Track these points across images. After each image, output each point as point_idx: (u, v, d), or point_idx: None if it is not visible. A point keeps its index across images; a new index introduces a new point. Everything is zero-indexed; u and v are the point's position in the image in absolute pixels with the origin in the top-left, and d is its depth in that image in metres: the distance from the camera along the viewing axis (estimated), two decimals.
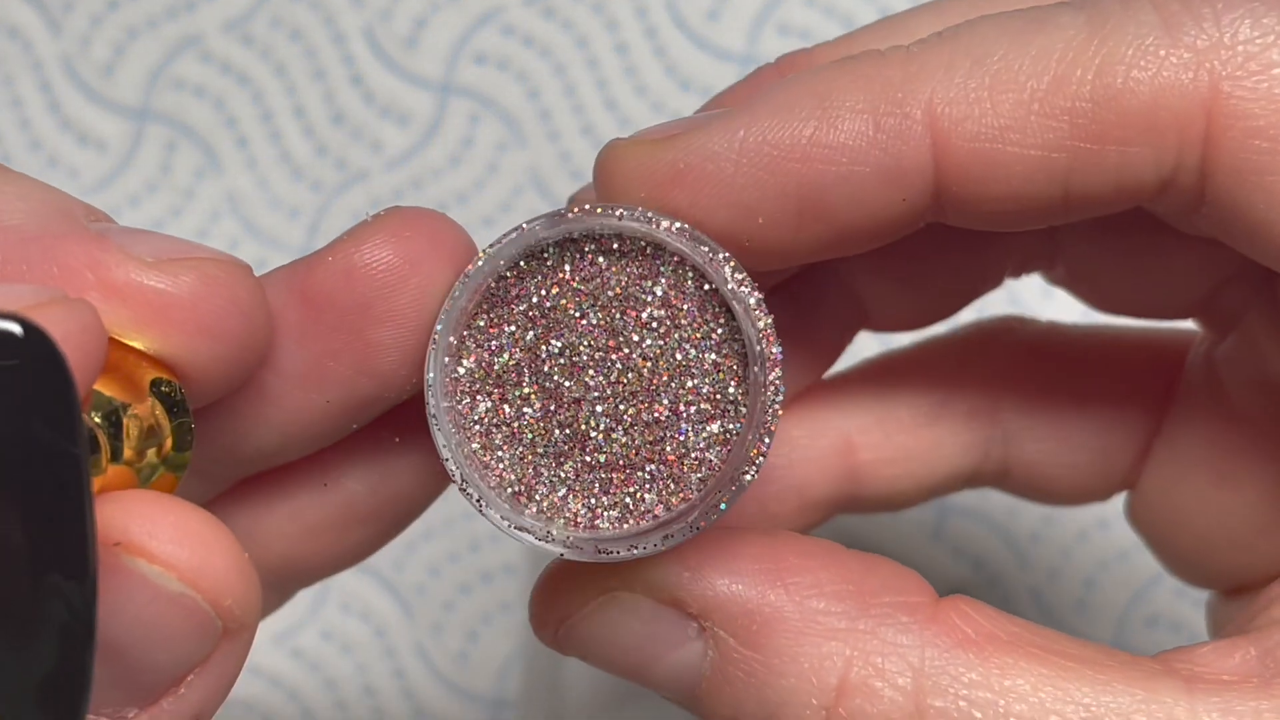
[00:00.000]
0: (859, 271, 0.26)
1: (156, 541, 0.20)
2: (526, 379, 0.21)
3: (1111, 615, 0.31)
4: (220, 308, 0.22)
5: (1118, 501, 0.30)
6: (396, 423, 0.24)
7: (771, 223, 0.21)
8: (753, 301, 0.21)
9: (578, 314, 0.21)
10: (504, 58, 0.44)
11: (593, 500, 0.21)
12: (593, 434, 0.21)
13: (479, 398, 0.21)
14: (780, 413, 0.21)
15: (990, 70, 0.20)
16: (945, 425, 0.28)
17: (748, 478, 0.21)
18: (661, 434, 0.21)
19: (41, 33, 0.44)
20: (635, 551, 0.21)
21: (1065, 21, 0.21)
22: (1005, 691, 0.21)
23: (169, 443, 0.21)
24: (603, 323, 0.21)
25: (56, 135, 0.44)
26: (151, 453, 0.21)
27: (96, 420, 0.20)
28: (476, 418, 0.21)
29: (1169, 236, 0.24)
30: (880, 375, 0.28)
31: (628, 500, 0.21)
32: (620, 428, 0.21)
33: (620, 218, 0.21)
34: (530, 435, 0.21)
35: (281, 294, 0.23)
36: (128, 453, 0.21)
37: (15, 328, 0.16)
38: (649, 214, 0.21)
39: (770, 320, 0.21)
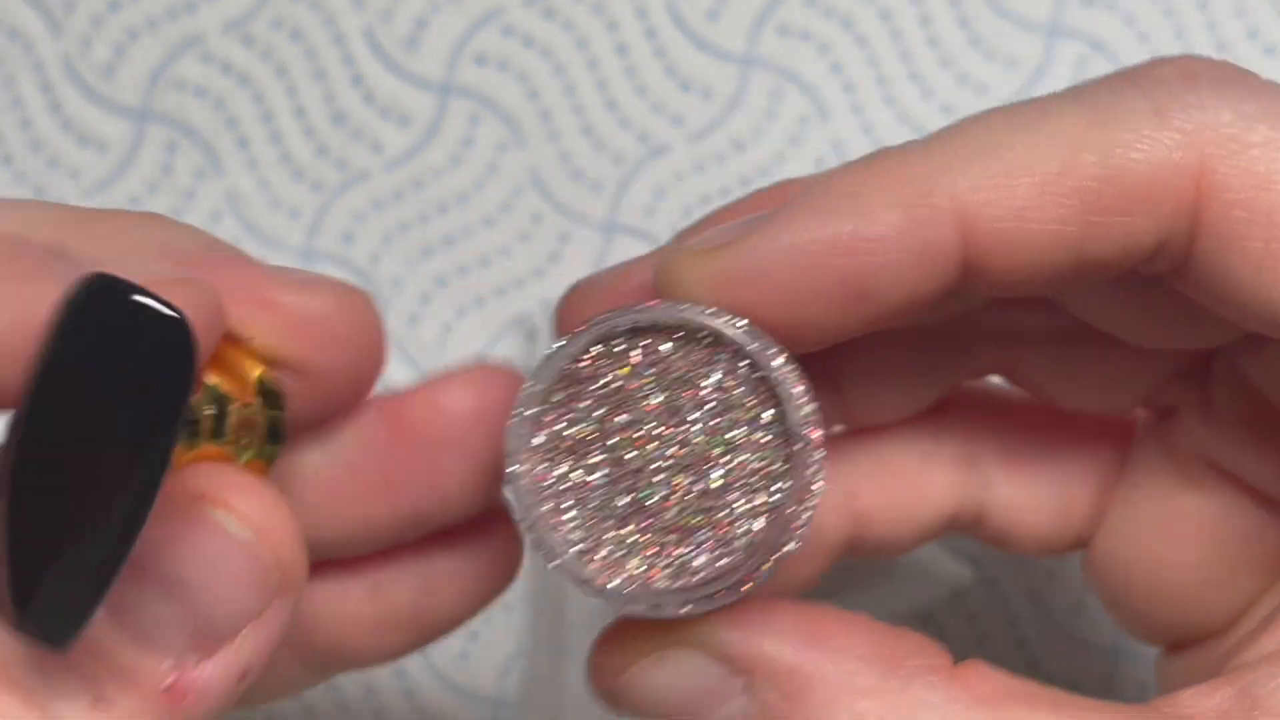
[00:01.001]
0: (845, 374, 0.29)
1: (233, 496, 0.23)
2: (595, 450, 0.24)
3: (1109, 616, 0.32)
4: (354, 324, 0.26)
5: None
6: (448, 540, 0.28)
7: (819, 310, 0.24)
8: (797, 392, 0.24)
9: (642, 394, 0.24)
10: (504, 58, 0.44)
11: (650, 560, 0.24)
12: (651, 501, 0.24)
13: (552, 465, 0.24)
14: (820, 489, 0.24)
15: (1005, 159, 0.24)
16: (935, 470, 0.30)
17: (790, 546, 0.24)
18: (712, 503, 0.24)
19: (42, 33, 0.44)
20: (686, 609, 0.24)
21: (1066, 111, 0.24)
22: None
23: (264, 434, 0.25)
24: (665, 402, 0.24)
25: (58, 136, 0.44)
26: (245, 442, 0.25)
27: (205, 404, 0.24)
28: (549, 483, 0.24)
29: (1117, 348, 0.28)
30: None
31: (680, 561, 0.24)
32: (676, 495, 0.24)
33: (684, 311, 0.24)
34: (596, 500, 0.24)
35: (373, 412, 0.27)
36: (227, 436, 0.24)
37: (152, 303, 0.20)
38: (710, 310, 0.24)
39: (814, 408, 0.24)
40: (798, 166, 0.43)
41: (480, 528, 0.29)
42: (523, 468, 0.24)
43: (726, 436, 0.24)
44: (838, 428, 0.30)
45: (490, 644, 0.43)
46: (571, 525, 0.25)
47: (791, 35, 0.43)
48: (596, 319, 0.24)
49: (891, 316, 0.25)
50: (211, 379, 0.24)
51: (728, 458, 0.24)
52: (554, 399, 0.25)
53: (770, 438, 0.24)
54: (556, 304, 0.28)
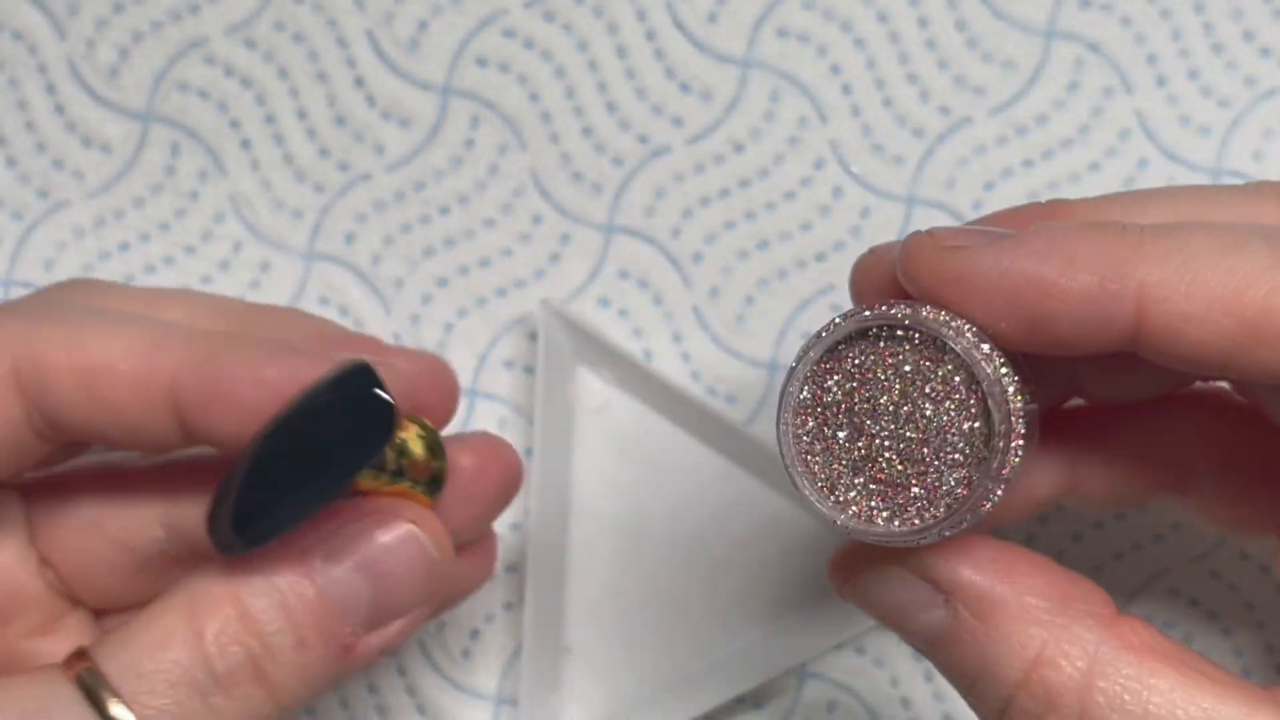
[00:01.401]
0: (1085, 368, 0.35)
1: (424, 521, 0.33)
2: (842, 412, 0.31)
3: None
4: (452, 382, 0.36)
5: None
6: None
7: (1010, 327, 0.30)
8: (1006, 395, 0.30)
9: (883, 378, 0.31)
10: (505, 60, 0.44)
11: (874, 504, 0.31)
12: (880, 459, 0.31)
13: (809, 419, 0.31)
14: (1011, 473, 0.30)
15: (1192, 272, 0.29)
16: (1150, 455, 0.36)
17: (984, 508, 0.30)
18: (925, 469, 0.30)
19: (47, 36, 0.45)
20: (902, 543, 0.30)
21: (1256, 249, 0.29)
22: (1149, 687, 0.29)
23: (429, 478, 0.33)
24: (900, 387, 0.31)
25: (62, 137, 0.45)
26: (414, 478, 0.33)
27: (392, 452, 0.32)
28: (806, 431, 0.31)
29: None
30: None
31: (896, 509, 0.31)
32: (899, 459, 0.31)
33: (925, 318, 0.30)
34: (838, 450, 0.31)
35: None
36: (405, 476, 0.33)
37: (380, 392, 0.30)
38: (944, 317, 0.30)
39: (1019, 408, 0.30)
40: (797, 168, 0.43)
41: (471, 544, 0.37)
42: (788, 416, 0.31)
43: (943, 419, 0.30)
44: (1076, 401, 0.36)
45: (492, 642, 0.43)
46: (817, 467, 0.31)
47: (790, 37, 0.44)
48: (857, 313, 0.30)
49: (1066, 351, 0.30)
50: (399, 435, 0.32)
51: (939, 437, 0.30)
52: (819, 369, 0.31)
53: (979, 424, 0.30)
54: (854, 265, 0.33)
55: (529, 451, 0.43)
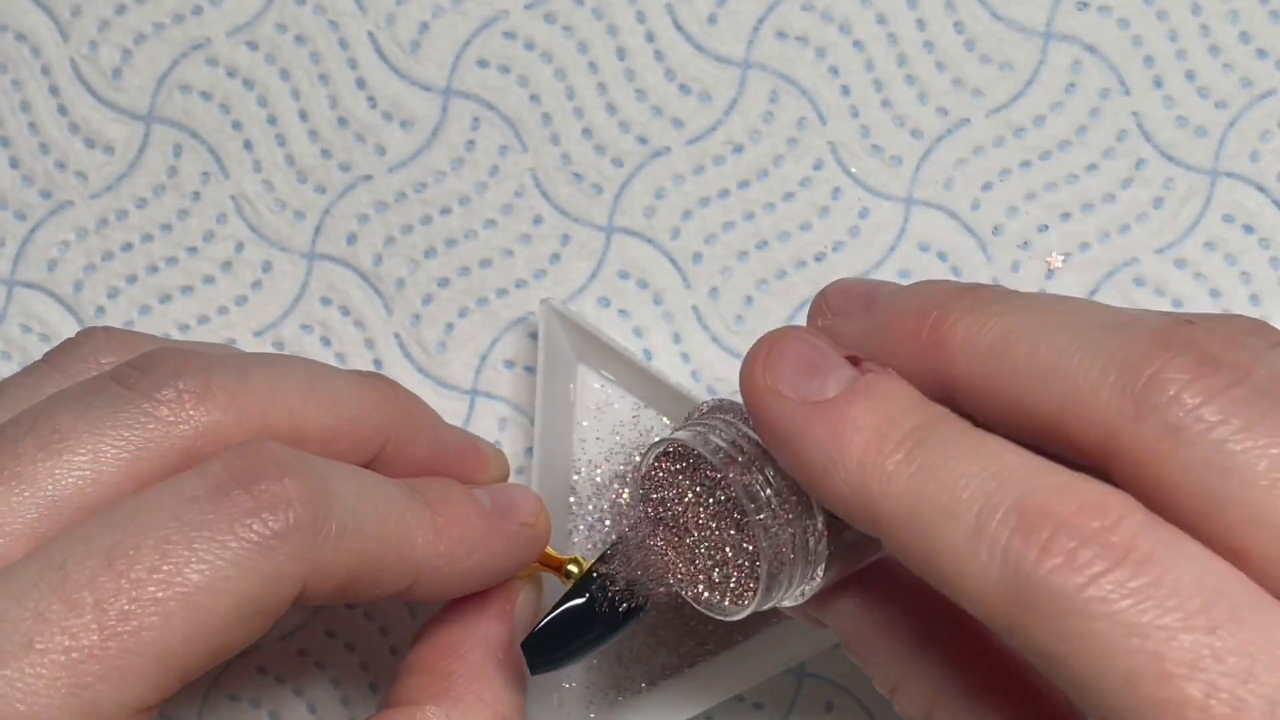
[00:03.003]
0: None
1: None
2: (661, 511, 0.35)
3: None
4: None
5: None
6: None
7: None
8: (750, 507, 0.32)
9: (681, 487, 0.35)
10: (506, 62, 0.44)
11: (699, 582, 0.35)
12: (691, 549, 0.35)
13: (639, 517, 0.36)
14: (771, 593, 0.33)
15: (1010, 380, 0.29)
16: None
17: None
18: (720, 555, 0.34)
19: (50, 38, 0.45)
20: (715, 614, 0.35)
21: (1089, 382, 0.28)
22: None
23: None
24: (696, 494, 0.34)
25: (65, 138, 0.45)
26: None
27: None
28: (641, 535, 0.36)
29: None
30: None
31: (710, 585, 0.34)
32: (702, 551, 0.34)
33: (707, 448, 0.34)
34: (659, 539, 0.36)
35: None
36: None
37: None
38: (719, 449, 0.33)
39: (759, 521, 0.32)
40: (796, 169, 0.43)
41: None
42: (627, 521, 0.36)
43: (717, 523, 0.33)
44: None
45: None
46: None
47: (789, 39, 0.44)
48: (669, 439, 0.34)
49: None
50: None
51: (715, 537, 0.33)
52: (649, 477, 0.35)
53: (736, 532, 0.33)
54: (818, 296, 0.34)
55: (529, 451, 0.43)
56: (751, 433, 0.33)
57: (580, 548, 0.43)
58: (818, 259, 0.43)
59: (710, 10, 0.44)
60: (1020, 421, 0.29)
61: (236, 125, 0.44)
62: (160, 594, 0.29)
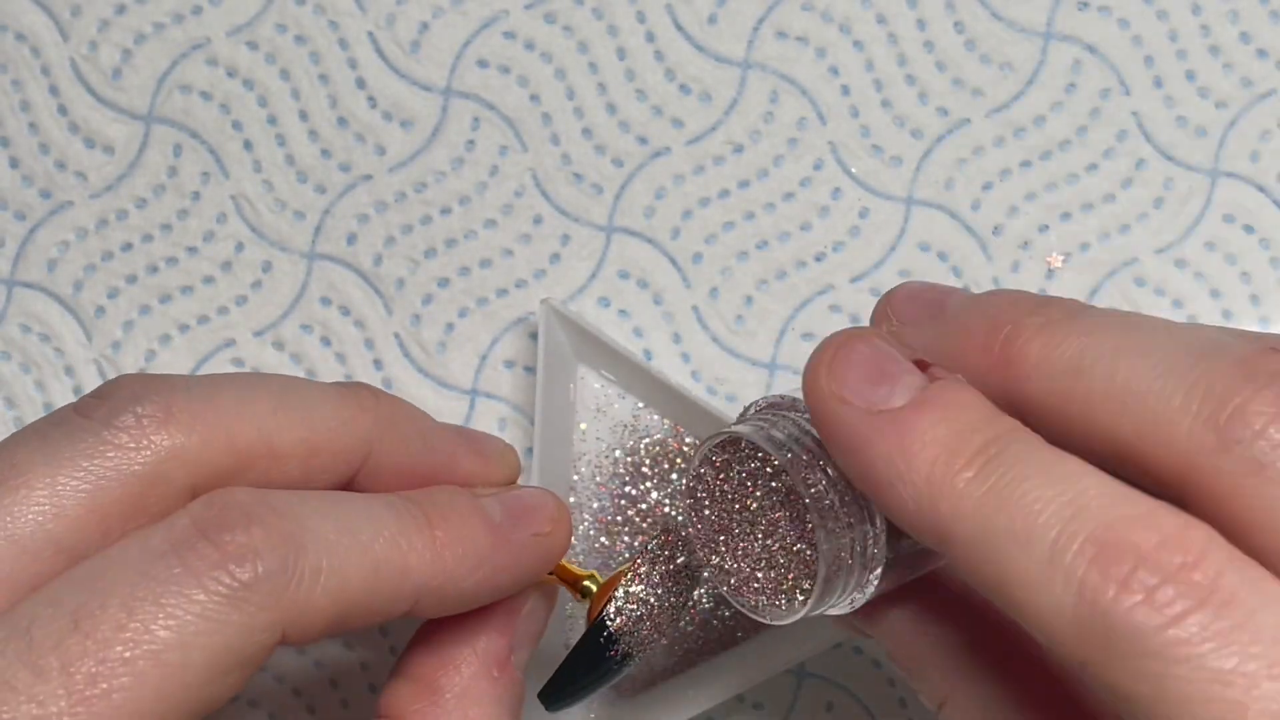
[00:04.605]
0: None
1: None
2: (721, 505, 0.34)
3: None
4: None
5: None
6: None
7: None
8: (818, 510, 0.31)
9: (735, 484, 0.34)
10: (506, 62, 0.44)
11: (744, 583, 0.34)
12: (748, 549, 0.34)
13: (700, 510, 0.35)
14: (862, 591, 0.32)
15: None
16: None
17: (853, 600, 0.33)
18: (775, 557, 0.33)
19: (50, 38, 0.45)
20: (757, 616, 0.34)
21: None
22: None
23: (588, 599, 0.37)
24: (749, 492, 0.33)
25: (65, 138, 0.45)
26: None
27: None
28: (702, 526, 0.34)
29: None
30: None
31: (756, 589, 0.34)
32: (757, 550, 0.33)
33: (776, 442, 0.32)
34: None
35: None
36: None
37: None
38: (784, 443, 0.32)
39: (830, 529, 0.31)
40: (796, 169, 0.44)
41: None
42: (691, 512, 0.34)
43: (778, 518, 0.32)
44: None
45: None
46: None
47: (789, 39, 0.44)
48: (728, 431, 0.32)
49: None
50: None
51: (778, 532, 0.32)
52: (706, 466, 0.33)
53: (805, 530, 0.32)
54: (881, 300, 0.33)
55: (529, 451, 0.43)
56: (811, 430, 0.32)
57: (578, 547, 0.43)
58: (818, 259, 0.43)
59: (710, 10, 0.44)
60: (1094, 445, 0.28)
61: (236, 125, 0.45)
62: (128, 653, 0.28)
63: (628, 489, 0.43)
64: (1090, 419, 0.28)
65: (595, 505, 0.43)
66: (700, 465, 0.33)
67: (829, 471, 0.31)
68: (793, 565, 0.32)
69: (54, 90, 0.45)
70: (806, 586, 0.32)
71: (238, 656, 0.30)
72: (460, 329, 0.44)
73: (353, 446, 0.35)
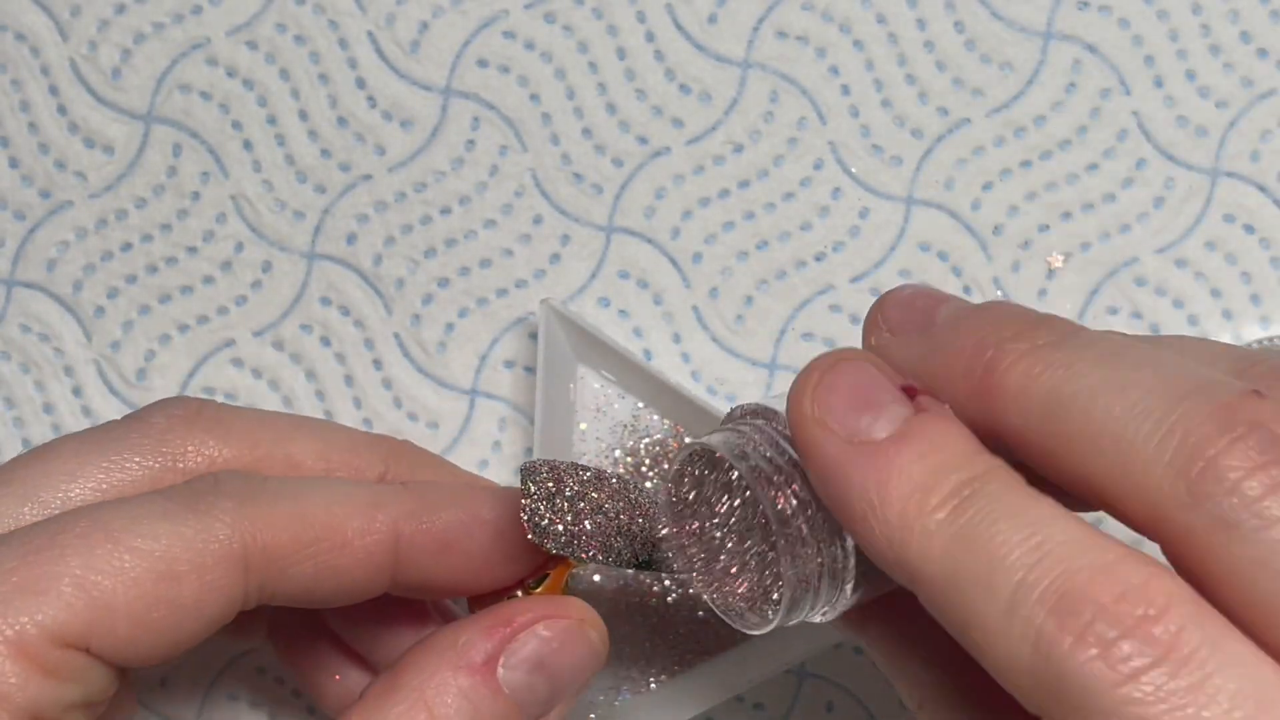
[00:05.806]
0: None
1: (594, 621, 0.35)
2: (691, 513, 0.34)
3: None
4: None
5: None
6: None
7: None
8: (777, 523, 0.31)
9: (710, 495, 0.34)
10: (506, 62, 0.44)
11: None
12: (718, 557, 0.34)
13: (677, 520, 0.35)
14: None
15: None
16: None
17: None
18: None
19: (49, 37, 0.45)
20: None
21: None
22: None
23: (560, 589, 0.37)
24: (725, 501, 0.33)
25: (64, 138, 0.45)
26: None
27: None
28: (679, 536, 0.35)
29: None
30: None
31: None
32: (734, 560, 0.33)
33: (747, 460, 0.31)
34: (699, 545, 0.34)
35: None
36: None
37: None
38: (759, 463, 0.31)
39: (787, 536, 0.31)
40: (796, 169, 0.43)
41: None
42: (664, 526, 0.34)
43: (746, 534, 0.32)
44: None
45: None
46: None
47: (789, 39, 0.44)
48: (700, 441, 0.32)
49: None
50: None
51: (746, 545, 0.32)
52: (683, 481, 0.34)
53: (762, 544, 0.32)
54: (875, 303, 0.32)
55: (529, 451, 0.43)
56: (789, 447, 0.31)
57: None
58: (818, 259, 0.43)
59: (710, 10, 0.44)
60: (1070, 484, 0.27)
61: (236, 125, 0.45)
62: (83, 526, 0.32)
63: None
64: (1066, 458, 0.27)
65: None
66: (678, 472, 0.33)
67: (800, 490, 0.30)
68: (765, 574, 0.32)
69: (54, 90, 0.45)
70: (775, 599, 0.32)
71: (193, 560, 0.32)
72: (460, 329, 0.44)
73: (370, 462, 0.37)
